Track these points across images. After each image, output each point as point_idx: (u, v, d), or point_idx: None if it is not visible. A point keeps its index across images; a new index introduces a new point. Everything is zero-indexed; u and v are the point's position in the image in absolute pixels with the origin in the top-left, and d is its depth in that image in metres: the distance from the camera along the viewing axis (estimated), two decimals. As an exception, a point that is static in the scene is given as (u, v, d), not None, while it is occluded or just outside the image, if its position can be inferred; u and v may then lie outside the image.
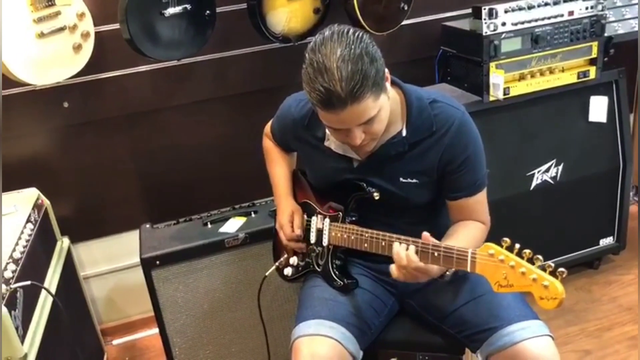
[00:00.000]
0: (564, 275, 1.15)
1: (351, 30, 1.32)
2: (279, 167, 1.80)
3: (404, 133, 1.48)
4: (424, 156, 1.49)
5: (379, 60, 1.32)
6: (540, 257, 1.18)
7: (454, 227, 1.53)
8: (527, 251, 1.19)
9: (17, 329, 1.52)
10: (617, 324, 2.36)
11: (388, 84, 1.38)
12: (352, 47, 1.28)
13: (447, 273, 1.41)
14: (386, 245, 1.44)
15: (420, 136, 1.48)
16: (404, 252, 1.35)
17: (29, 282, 1.61)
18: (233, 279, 2.10)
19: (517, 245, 1.21)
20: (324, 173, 1.63)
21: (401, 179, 1.51)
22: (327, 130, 1.53)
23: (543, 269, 1.17)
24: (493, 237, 1.33)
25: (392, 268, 1.38)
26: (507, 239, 1.22)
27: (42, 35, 1.86)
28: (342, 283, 1.58)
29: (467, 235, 1.48)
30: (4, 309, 1.48)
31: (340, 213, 1.59)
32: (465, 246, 1.30)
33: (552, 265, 1.16)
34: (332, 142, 1.56)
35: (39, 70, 1.89)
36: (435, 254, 1.32)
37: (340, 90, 1.25)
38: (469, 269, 1.27)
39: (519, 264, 1.19)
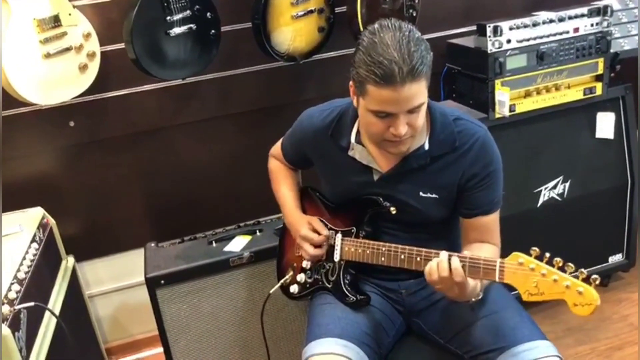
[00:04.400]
0: (597, 282, 1.16)
1: (404, 23, 1.36)
2: (286, 187, 1.79)
3: (427, 146, 1.49)
4: (445, 171, 1.49)
5: (430, 52, 1.35)
6: (571, 264, 1.19)
7: (468, 248, 1.49)
8: (558, 259, 1.20)
9: (20, 350, 1.51)
10: (627, 343, 2.32)
11: None
12: (411, 32, 1.33)
13: (472, 300, 1.39)
14: (405, 259, 1.43)
15: (442, 151, 1.49)
16: (447, 264, 1.31)
17: (32, 304, 1.60)
18: (238, 298, 2.08)
19: (547, 254, 1.22)
20: (343, 185, 1.62)
21: (421, 193, 1.51)
22: (352, 139, 1.54)
23: (575, 276, 1.18)
24: (502, 254, 1.32)
25: (432, 268, 1.33)
26: (536, 248, 1.23)
27: (48, 55, 1.88)
28: (354, 298, 1.57)
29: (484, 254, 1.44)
30: (8, 331, 1.48)
31: (354, 228, 1.58)
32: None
33: (585, 272, 1.18)
34: (356, 152, 1.55)
35: (45, 90, 1.90)
36: (462, 264, 1.31)
37: (403, 63, 1.27)
38: (497, 279, 1.27)
39: (551, 272, 1.19)
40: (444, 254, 1.34)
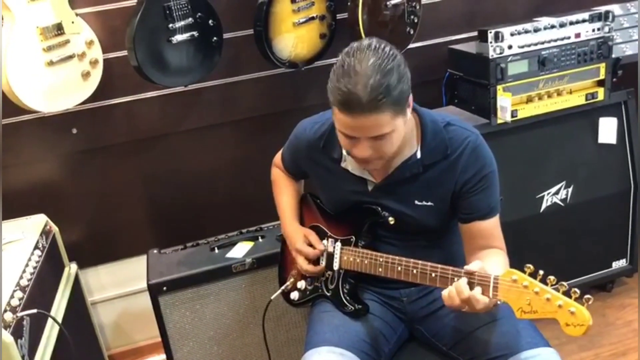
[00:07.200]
0: (589, 302, 1.15)
1: (388, 47, 1.34)
2: (286, 196, 1.80)
3: (419, 155, 1.49)
4: (439, 179, 1.49)
5: (406, 82, 1.33)
6: (565, 283, 1.17)
7: (478, 256, 1.45)
8: (552, 278, 1.19)
9: (23, 357, 1.52)
10: (631, 349, 2.31)
11: (409, 111, 1.39)
12: (386, 60, 1.30)
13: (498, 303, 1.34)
14: (402, 270, 1.42)
15: (434, 158, 1.48)
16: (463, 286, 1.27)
17: (35, 311, 1.61)
18: (240, 304, 2.08)
19: (541, 272, 1.20)
20: (338, 196, 1.62)
21: (416, 202, 1.51)
22: (344, 152, 1.53)
23: (568, 295, 1.17)
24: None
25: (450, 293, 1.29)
26: (530, 266, 1.22)
27: (51, 63, 1.89)
28: (353, 308, 1.56)
29: (495, 261, 1.42)
30: (11, 338, 1.48)
31: (353, 237, 1.58)
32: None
33: (578, 291, 1.17)
34: (349, 164, 1.56)
35: (48, 97, 1.91)
36: (456, 279, 1.30)
37: (364, 94, 1.26)
38: (490, 295, 1.25)
39: (544, 290, 1.18)
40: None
